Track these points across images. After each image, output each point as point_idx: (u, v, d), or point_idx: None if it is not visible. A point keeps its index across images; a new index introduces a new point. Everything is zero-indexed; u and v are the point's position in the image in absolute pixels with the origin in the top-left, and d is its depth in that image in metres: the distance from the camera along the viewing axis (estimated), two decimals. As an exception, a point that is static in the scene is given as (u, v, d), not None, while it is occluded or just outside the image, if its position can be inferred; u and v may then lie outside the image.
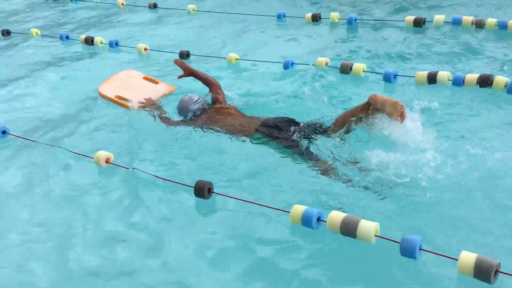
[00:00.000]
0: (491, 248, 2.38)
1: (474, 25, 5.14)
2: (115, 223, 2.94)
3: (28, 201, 3.25)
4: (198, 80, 4.18)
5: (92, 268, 2.62)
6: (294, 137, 3.28)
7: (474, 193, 2.75)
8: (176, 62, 4.24)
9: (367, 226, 2.40)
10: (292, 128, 3.33)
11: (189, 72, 4.18)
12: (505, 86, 3.79)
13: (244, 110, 3.85)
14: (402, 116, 2.99)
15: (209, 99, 4.00)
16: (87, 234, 2.87)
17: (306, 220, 2.56)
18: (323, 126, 3.37)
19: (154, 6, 7.56)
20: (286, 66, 4.71)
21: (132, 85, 4.55)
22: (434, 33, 5.30)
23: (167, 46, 5.75)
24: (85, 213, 3.04)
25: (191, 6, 7.16)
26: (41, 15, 7.96)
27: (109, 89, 4.47)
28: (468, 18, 5.20)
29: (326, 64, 4.59)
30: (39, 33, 6.70)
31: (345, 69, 4.42)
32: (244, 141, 3.42)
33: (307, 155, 3.16)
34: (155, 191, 3.15)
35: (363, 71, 4.39)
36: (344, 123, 3.25)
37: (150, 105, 4.16)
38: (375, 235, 2.40)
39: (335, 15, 5.96)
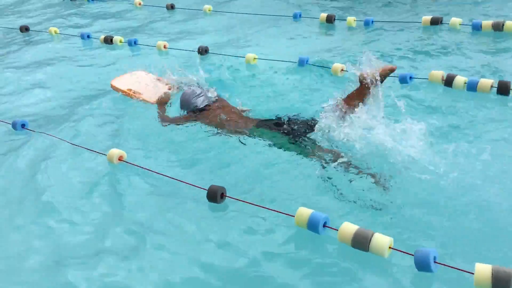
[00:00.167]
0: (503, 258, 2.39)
1: (492, 28, 5.13)
2: (126, 223, 2.97)
3: (39, 194, 3.32)
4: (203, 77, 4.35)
5: (109, 264, 2.70)
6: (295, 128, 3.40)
7: (489, 203, 2.76)
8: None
9: (381, 241, 2.34)
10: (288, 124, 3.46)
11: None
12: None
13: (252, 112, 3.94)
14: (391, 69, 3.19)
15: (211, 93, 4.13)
16: (99, 230, 2.93)
17: (312, 225, 2.52)
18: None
19: (172, 7, 7.69)
20: (301, 63, 4.79)
21: (144, 82, 4.70)
22: (449, 35, 5.35)
23: (186, 45, 5.86)
24: (97, 210, 3.11)
25: (207, 7, 7.28)
26: (59, 14, 8.13)
27: (122, 83, 4.66)
28: (487, 22, 5.17)
29: (342, 70, 4.59)
30: (58, 31, 6.86)
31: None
32: (245, 138, 3.50)
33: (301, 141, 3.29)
34: (164, 192, 3.20)
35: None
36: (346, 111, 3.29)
37: (160, 98, 4.29)
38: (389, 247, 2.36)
39: (352, 18, 6.02)
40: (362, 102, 3.25)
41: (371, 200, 2.84)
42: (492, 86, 3.89)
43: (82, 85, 5.13)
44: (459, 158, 3.05)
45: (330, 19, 6.16)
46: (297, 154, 3.27)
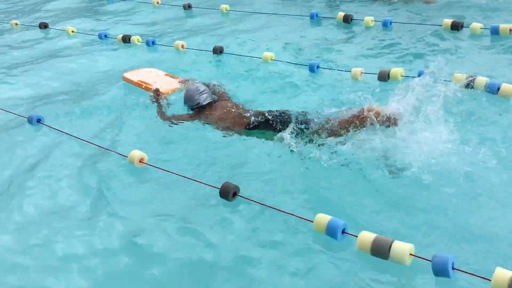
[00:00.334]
0: None
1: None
2: (139, 223, 2.98)
3: (53, 191, 3.34)
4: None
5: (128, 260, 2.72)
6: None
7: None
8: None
9: (401, 248, 2.32)
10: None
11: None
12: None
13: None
14: (395, 124, 3.07)
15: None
16: (116, 228, 2.94)
17: (331, 231, 2.51)
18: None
19: (189, 6, 7.71)
20: (312, 69, 4.72)
21: (155, 74, 4.88)
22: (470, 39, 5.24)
23: (202, 44, 5.86)
24: (111, 209, 3.11)
25: (224, 6, 7.28)
26: (78, 13, 8.24)
27: (133, 75, 4.88)
28: (505, 26, 5.09)
29: (361, 73, 4.51)
30: (75, 30, 6.94)
31: (383, 77, 4.35)
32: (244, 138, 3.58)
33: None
34: (178, 190, 3.20)
35: (401, 75, 4.36)
36: (339, 131, 3.26)
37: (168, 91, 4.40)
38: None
39: (369, 18, 5.93)
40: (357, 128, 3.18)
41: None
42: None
43: (98, 82, 5.17)
44: (483, 161, 3.00)
45: (347, 19, 6.09)
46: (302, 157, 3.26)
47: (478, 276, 2.18)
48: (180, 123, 3.95)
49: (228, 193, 2.93)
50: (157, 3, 8.14)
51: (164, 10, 7.94)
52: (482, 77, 3.96)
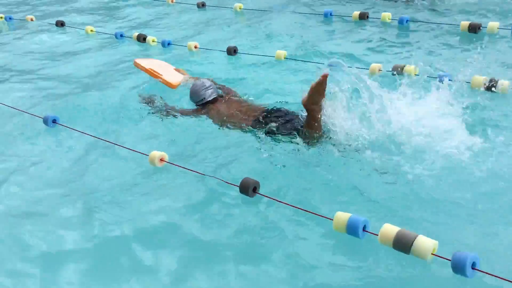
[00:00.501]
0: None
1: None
2: (157, 223, 3.02)
3: (71, 192, 3.38)
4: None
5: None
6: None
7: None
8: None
9: (425, 244, 2.32)
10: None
11: None
12: None
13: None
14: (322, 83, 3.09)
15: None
16: (134, 226, 2.99)
17: (351, 229, 2.52)
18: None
19: (203, 5, 7.74)
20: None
21: (164, 66, 4.92)
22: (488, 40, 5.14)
23: (216, 43, 5.88)
24: (129, 208, 3.16)
25: (237, 5, 7.29)
26: (93, 12, 8.31)
27: (144, 62, 4.91)
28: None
29: (379, 70, 4.49)
30: (94, 30, 7.01)
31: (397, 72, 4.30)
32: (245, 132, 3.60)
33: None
34: (198, 187, 3.24)
35: (415, 74, 4.33)
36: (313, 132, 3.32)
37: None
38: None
39: (386, 15, 5.91)
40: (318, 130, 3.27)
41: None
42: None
43: (113, 81, 5.21)
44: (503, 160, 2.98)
45: (363, 17, 6.06)
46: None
47: (501, 278, 2.14)
48: (186, 117, 3.97)
49: (248, 188, 2.94)
50: (172, 1, 8.18)
51: (178, 8, 7.97)
52: (504, 80, 3.90)
